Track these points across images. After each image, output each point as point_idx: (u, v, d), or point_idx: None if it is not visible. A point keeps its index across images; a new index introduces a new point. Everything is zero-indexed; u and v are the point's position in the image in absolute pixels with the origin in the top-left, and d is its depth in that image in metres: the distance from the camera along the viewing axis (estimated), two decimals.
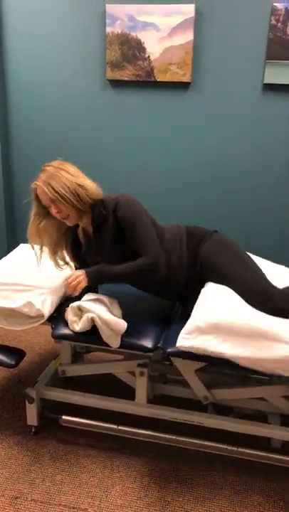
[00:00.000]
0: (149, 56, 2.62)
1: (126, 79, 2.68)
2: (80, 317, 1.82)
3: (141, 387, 1.96)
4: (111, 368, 2.05)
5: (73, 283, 1.78)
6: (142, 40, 2.60)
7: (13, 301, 1.87)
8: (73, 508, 1.71)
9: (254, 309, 1.73)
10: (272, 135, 2.63)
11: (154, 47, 2.59)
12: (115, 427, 1.95)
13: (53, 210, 1.80)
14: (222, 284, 1.84)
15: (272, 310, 1.72)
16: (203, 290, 1.85)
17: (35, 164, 2.98)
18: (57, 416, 2.01)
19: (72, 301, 1.85)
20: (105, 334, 1.77)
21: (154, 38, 2.58)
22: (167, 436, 1.91)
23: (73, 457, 1.94)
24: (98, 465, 1.90)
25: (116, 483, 1.82)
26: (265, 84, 2.53)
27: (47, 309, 1.89)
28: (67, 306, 1.87)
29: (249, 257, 1.93)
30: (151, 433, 1.93)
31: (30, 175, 3.05)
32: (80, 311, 1.82)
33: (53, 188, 1.77)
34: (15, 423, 2.12)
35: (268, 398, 1.93)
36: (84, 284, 1.80)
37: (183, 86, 2.65)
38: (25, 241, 2.69)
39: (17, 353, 2.00)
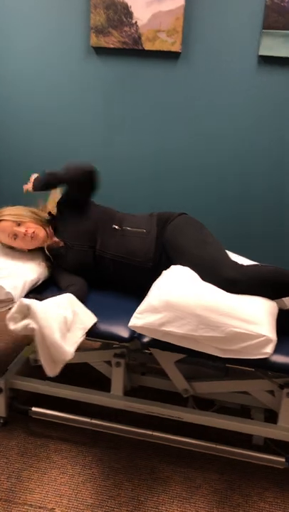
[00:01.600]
0: (136, 22, 2.43)
1: (111, 46, 2.49)
2: (22, 318, 1.55)
3: (117, 378, 1.83)
4: (86, 357, 1.92)
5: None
6: (129, 4, 2.40)
7: None
8: (39, 508, 1.59)
9: (211, 286, 1.64)
10: (267, 112, 2.46)
11: (142, 12, 2.40)
12: (88, 420, 1.83)
13: (22, 233, 1.87)
14: (179, 258, 1.78)
15: (224, 280, 1.65)
16: (164, 272, 1.75)
17: (15, 139, 2.80)
18: (26, 407, 1.88)
19: (36, 293, 1.71)
20: (42, 356, 1.51)
21: (142, 1, 2.38)
22: (143, 431, 1.79)
23: (43, 452, 1.81)
24: (69, 460, 1.78)
25: (87, 480, 1.70)
26: (261, 56, 2.36)
27: (17, 293, 1.74)
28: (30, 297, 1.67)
29: (212, 236, 1.87)
30: (126, 427, 1.81)
31: (10, 148, 2.87)
32: (28, 311, 1.54)
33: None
34: None
35: (252, 392, 1.82)
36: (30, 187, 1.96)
37: (172, 56, 2.47)
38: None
39: None
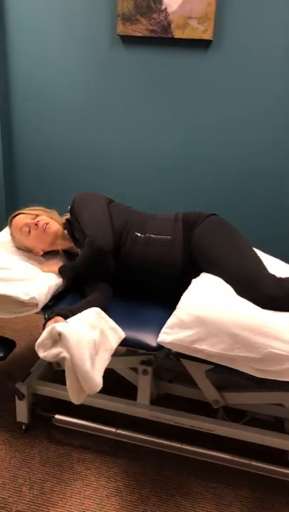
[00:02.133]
0: (166, 8, 2.30)
1: (139, 35, 2.37)
2: (53, 344, 1.41)
3: (144, 386, 1.74)
4: (111, 363, 1.81)
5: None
6: None
7: (5, 286, 1.65)
8: None
9: (246, 301, 1.52)
10: None
11: None
12: (114, 430, 1.74)
13: (33, 224, 1.81)
14: (211, 269, 1.64)
15: (264, 297, 1.52)
16: (193, 280, 1.63)
17: (38, 128, 2.72)
18: (49, 415, 1.81)
19: (58, 298, 1.64)
20: (70, 384, 1.39)
21: None
22: (172, 444, 1.70)
23: (66, 461, 1.74)
24: (93, 472, 1.70)
25: (112, 494, 1.62)
26: None
27: (42, 298, 1.66)
28: (54, 316, 1.55)
29: (246, 242, 1.71)
30: (154, 439, 1.72)
31: (32, 137, 2.78)
32: (59, 336, 1.40)
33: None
34: (4, 418, 1.92)
35: (286, 404, 1.71)
36: (48, 269, 1.80)
37: (203, 44, 2.34)
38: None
39: (6, 344, 1.79)
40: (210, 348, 1.42)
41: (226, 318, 1.43)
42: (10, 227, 1.89)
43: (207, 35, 2.30)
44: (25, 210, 1.90)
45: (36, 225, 1.81)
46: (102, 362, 1.46)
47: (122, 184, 2.68)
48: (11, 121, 2.70)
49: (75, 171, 2.74)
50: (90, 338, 1.42)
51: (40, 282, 1.70)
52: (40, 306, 1.66)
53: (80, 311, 1.56)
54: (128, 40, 2.42)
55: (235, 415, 1.84)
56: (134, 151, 2.60)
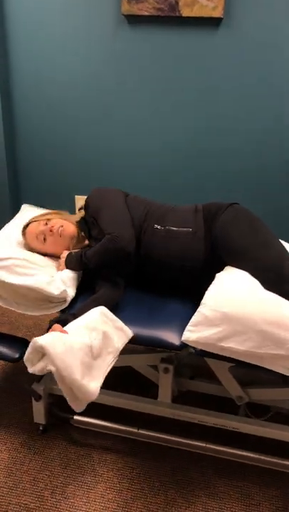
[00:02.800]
0: None
1: (145, 14, 2.25)
2: (40, 359, 1.32)
3: (165, 385, 1.69)
4: (129, 361, 1.77)
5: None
6: None
7: (30, 278, 1.59)
8: None
9: (275, 296, 1.44)
10: None
11: None
12: (135, 430, 1.69)
13: (48, 230, 1.75)
14: (236, 262, 1.57)
15: None
16: (217, 275, 1.55)
17: (40, 116, 2.61)
18: (67, 415, 1.75)
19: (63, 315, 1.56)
20: (65, 394, 1.31)
21: None
22: (196, 443, 1.65)
23: (87, 463, 1.69)
24: (115, 473, 1.65)
25: (136, 496, 1.57)
26: None
27: (71, 292, 1.61)
28: (53, 324, 1.48)
29: (270, 231, 1.63)
30: (178, 439, 1.67)
31: (35, 125, 2.67)
32: (41, 352, 1.31)
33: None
34: (20, 419, 1.87)
35: None
36: (62, 267, 1.70)
37: (213, 22, 2.22)
38: (28, 201, 2.40)
39: (21, 344, 1.72)
40: (237, 345, 1.36)
41: (254, 314, 1.37)
42: (24, 237, 1.80)
43: (217, 13, 2.18)
44: (36, 217, 1.81)
45: (51, 230, 1.73)
46: (104, 366, 1.40)
47: (131, 172, 2.59)
48: (12, 106, 2.59)
49: (79, 159, 2.64)
50: (83, 344, 1.35)
51: (64, 276, 1.64)
52: (69, 300, 1.60)
53: (84, 311, 1.50)
54: (134, 19, 2.30)
55: (258, 410, 1.79)
56: (140, 135, 2.50)
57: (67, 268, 1.69)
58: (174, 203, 1.79)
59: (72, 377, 1.28)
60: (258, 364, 1.40)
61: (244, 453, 1.63)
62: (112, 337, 1.46)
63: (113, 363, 1.44)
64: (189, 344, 1.45)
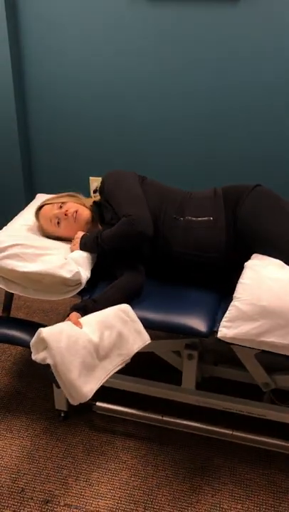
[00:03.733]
0: None
1: None
2: (44, 348, 1.28)
3: (189, 371, 1.65)
4: (153, 347, 1.72)
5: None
6: None
7: (40, 264, 1.55)
8: None
9: None
10: None
11: None
12: (160, 417, 1.67)
13: (62, 214, 1.69)
14: (266, 250, 1.49)
15: None
16: (247, 264, 1.49)
17: (52, 97, 2.53)
18: (90, 402, 1.73)
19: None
20: (62, 387, 1.27)
21: None
22: (222, 430, 1.62)
23: (110, 449, 1.68)
24: (139, 460, 1.64)
25: (162, 484, 1.56)
26: None
27: (84, 274, 1.56)
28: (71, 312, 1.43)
29: None
30: (202, 426, 1.64)
31: (48, 114, 2.60)
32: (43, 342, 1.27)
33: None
34: (41, 405, 1.85)
35: None
36: (76, 247, 1.65)
37: None
38: (42, 190, 2.35)
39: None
40: (279, 339, 1.31)
41: None
42: (37, 219, 1.75)
43: None
44: (50, 200, 1.76)
45: (66, 214, 1.67)
46: (110, 367, 1.35)
47: (146, 152, 2.51)
48: (24, 88, 2.51)
49: (92, 139, 2.57)
50: (90, 342, 1.30)
51: (76, 256, 1.59)
52: (84, 282, 1.56)
53: (105, 298, 1.47)
54: None
55: (283, 396, 1.75)
56: (156, 113, 2.42)
57: (81, 250, 1.64)
58: (191, 188, 1.72)
59: (68, 375, 1.24)
60: None
61: (270, 440, 1.60)
62: (128, 339, 1.40)
63: (121, 366, 1.39)
64: (226, 341, 1.39)
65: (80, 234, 1.67)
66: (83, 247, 1.64)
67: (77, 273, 1.53)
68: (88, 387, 1.28)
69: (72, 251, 1.67)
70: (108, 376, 1.34)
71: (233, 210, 1.58)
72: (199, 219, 1.59)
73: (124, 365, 1.40)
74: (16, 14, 2.36)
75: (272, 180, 2.19)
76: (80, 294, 1.61)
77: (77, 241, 1.66)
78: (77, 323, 1.34)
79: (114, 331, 1.37)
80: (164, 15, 2.22)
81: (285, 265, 1.44)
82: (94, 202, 1.77)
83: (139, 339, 1.44)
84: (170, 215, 1.62)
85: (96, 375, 1.31)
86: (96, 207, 1.76)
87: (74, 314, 1.40)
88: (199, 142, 2.44)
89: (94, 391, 1.29)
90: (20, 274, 1.57)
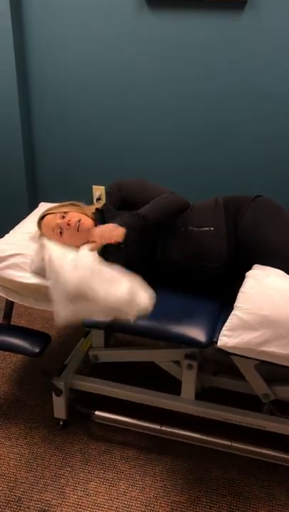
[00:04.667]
0: None
1: None
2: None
3: (188, 381, 1.65)
4: (152, 356, 1.73)
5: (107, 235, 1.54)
6: None
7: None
8: None
9: None
10: None
11: None
12: (158, 427, 1.66)
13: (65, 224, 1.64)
14: (268, 261, 1.49)
15: None
16: (248, 274, 1.48)
17: (56, 105, 2.55)
18: (89, 411, 1.73)
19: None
20: (54, 294, 1.46)
21: None
22: (221, 441, 1.61)
23: (108, 459, 1.67)
24: (138, 470, 1.63)
25: (160, 495, 1.55)
26: None
27: None
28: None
29: None
30: (201, 436, 1.63)
31: (52, 123, 2.61)
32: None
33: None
34: (40, 413, 1.85)
35: None
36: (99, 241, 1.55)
37: (238, 5, 2.14)
38: (46, 198, 2.35)
39: (41, 338, 1.69)
40: (280, 350, 1.30)
41: None
42: (39, 229, 1.75)
43: None
44: (53, 209, 1.74)
45: (68, 224, 1.64)
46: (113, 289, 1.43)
47: (150, 161, 2.52)
48: (29, 94, 2.54)
49: (96, 148, 2.58)
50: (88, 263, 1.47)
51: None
52: None
53: (154, 209, 1.57)
54: (154, 3, 2.22)
55: (282, 407, 1.74)
56: (159, 122, 2.43)
57: (127, 238, 1.54)
58: (194, 197, 1.73)
59: (61, 263, 1.48)
60: None
61: (269, 451, 1.59)
62: (138, 292, 1.46)
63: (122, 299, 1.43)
64: (226, 350, 1.38)
65: (98, 228, 1.59)
66: (127, 226, 1.53)
67: None
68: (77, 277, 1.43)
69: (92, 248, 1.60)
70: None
71: (234, 220, 1.59)
72: (201, 229, 1.59)
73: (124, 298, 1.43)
74: (20, 20, 2.39)
75: (274, 190, 2.20)
76: None
77: (98, 235, 1.57)
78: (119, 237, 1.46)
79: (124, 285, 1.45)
80: (167, 24, 2.24)
81: (287, 275, 1.44)
82: (96, 209, 1.77)
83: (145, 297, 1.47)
84: (173, 226, 1.62)
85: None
86: (99, 214, 1.76)
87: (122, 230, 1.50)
88: (202, 151, 2.45)
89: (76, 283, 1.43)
90: (19, 283, 1.57)
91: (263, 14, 2.13)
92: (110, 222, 1.69)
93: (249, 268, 1.52)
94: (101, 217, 1.74)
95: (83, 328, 2.26)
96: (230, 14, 2.16)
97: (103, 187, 2.62)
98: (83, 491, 1.55)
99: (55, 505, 1.51)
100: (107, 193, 1.73)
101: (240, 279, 1.49)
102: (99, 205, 1.81)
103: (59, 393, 1.71)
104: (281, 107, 2.26)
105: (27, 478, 1.59)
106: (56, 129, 2.59)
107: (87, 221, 1.70)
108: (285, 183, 2.40)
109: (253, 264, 1.51)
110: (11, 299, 1.67)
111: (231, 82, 2.27)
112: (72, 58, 2.41)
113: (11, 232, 1.88)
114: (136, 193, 1.67)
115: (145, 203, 1.60)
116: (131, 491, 1.56)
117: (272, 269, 1.45)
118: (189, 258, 1.58)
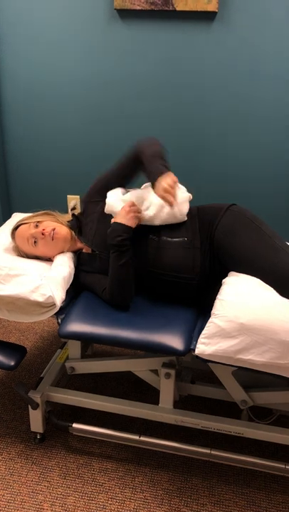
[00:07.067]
0: None
1: (138, 8, 2.20)
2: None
3: (166, 390, 1.63)
4: (129, 366, 1.71)
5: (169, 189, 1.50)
6: None
7: (13, 287, 1.52)
8: None
9: None
10: None
11: None
12: (137, 437, 1.64)
13: (39, 233, 1.65)
14: (243, 270, 1.50)
15: None
16: (224, 281, 1.49)
17: (29, 116, 2.54)
18: (66, 424, 1.69)
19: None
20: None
21: None
22: (200, 449, 1.59)
23: (87, 472, 1.64)
24: (117, 482, 1.60)
25: (140, 507, 1.52)
26: None
27: (59, 297, 1.53)
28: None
29: (275, 233, 1.56)
30: (181, 446, 1.61)
31: (25, 132, 2.60)
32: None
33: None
34: (16, 427, 1.81)
35: None
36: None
37: (208, 16, 2.18)
38: (19, 209, 2.33)
39: (17, 351, 1.66)
40: (257, 357, 1.30)
41: (274, 323, 1.31)
42: (13, 240, 1.73)
43: (212, 7, 2.14)
44: (26, 219, 1.72)
45: (43, 234, 1.63)
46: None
47: None
48: (1, 105, 2.52)
49: (70, 160, 2.58)
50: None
51: (51, 279, 1.56)
52: (59, 304, 1.53)
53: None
54: (126, 14, 2.24)
55: (260, 413, 1.75)
56: (133, 132, 2.44)
57: (106, 249, 1.58)
58: None
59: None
60: (276, 373, 1.35)
61: (248, 458, 1.58)
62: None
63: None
64: (204, 358, 1.38)
65: (128, 204, 1.58)
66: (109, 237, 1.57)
67: (50, 297, 1.50)
68: None
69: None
70: None
71: (208, 230, 1.59)
72: (174, 240, 1.59)
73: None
74: None
75: (251, 197, 2.23)
76: (56, 314, 1.59)
77: (128, 208, 1.57)
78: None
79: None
80: (139, 35, 2.26)
81: (263, 283, 1.45)
82: (73, 215, 1.76)
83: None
84: (146, 235, 1.61)
85: None
86: (74, 221, 1.74)
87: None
88: (177, 161, 2.46)
89: None
90: None
91: (232, 25, 2.17)
92: (83, 228, 1.69)
93: (225, 275, 1.52)
94: (77, 223, 1.73)
95: (59, 340, 2.24)
96: (201, 25, 2.20)
97: (78, 196, 2.61)
98: (61, 506, 1.52)
99: None
100: (81, 201, 1.73)
101: (216, 287, 1.50)
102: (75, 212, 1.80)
103: (35, 406, 1.68)
104: (251, 114, 2.30)
105: (3, 495, 1.55)
106: (28, 139, 2.57)
107: (62, 230, 1.69)
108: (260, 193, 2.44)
109: (229, 272, 1.51)
110: None
111: (200, 89, 2.30)
112: (46, 70, 2.41)
113: None
114: (100, 180, 1.74)
115: (113, 177, 1.71)
116: (110, 504, 1.53)
117: (249, 277, 1.46)
118: (163, 269, 1.58)
